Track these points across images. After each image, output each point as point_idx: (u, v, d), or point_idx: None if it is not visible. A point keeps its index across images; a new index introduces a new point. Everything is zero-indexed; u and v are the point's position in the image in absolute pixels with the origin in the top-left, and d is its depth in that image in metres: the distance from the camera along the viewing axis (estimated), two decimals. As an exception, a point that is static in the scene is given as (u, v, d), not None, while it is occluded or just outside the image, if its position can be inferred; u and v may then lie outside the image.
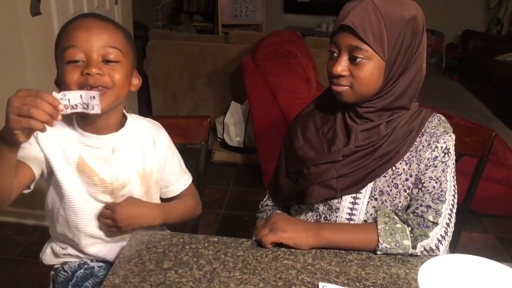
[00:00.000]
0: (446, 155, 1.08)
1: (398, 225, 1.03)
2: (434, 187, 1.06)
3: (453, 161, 1.10)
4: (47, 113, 0.78)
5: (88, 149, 1.07)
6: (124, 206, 1.06)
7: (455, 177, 1.09)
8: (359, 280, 0.95)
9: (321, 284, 0.92)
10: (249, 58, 2.81)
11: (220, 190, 2.88)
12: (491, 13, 5.86)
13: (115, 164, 1.09)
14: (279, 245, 1.04)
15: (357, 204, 1.10)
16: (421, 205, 1.05)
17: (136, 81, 1.11)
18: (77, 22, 1.01)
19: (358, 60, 1.01)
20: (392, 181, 1.09)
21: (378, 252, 1.03)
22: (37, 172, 1.02)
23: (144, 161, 1.14)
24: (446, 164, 1.08)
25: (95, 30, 1.00)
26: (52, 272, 1.21)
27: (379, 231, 1.02)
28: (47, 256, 1.19)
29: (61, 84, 1.02)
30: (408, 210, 1.07)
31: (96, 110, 0.87)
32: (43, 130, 0.79)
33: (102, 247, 1.13)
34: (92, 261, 1.16)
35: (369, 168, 1.07)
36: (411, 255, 1.02)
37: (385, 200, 1.09)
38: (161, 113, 3.65)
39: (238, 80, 3.28)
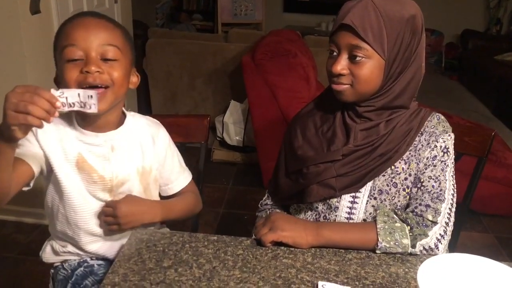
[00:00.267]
0: (446, 154, 1.08)
1: (398, 224, 1.03)
2: (433, 186, 1.06)
3: (452, 161, 1.10)
4: (44, 109, 0.78)
5: (87, 147, 1.07)
6: (125, 203, 1.07)
7: (454, 176, 1.09)
8: (358, 279, 0.95)
9: (320, 283, 0.93)
10: (249, 57, 2.81)
11: (219, 189, 2.88)
12: (490, 12, 5.86)
13: (115, 162, 1.09)
14: (278, 244, 1.04)
15: (356, 203, 1.11)
16: (420, 204, 1.05)
17: (135, 79, 1.12)
18: (75, 21, 1.02)
19: (357, 58, 1.01)
20: (391, 180, 1.09)
21: (378, 251, 1.03)
22: (36, 169, 1.03)
23: (143, 158, 1.14)
24: (445, 164, 1.08)
25: (93, 29, 1.00)
26: (52, 270, 1.21)
27: (378, 230, 1.02)
28: (47, 254, 1.19)
29: (60, 82, 1.03)
30: (407, 209, 1.07)
31: (93, 109, 0.87)
32: (40, 126, 0.79)
33: (102, 244, 1.14)
34: (91, 259, 1.16)
35: (368, 168, 1.07)
36: (410, 254, 1.02)
37: (384, 199, 1.09)
38: (160, 112, 3.65)
39: (237, 79, 3.28)
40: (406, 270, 0.98)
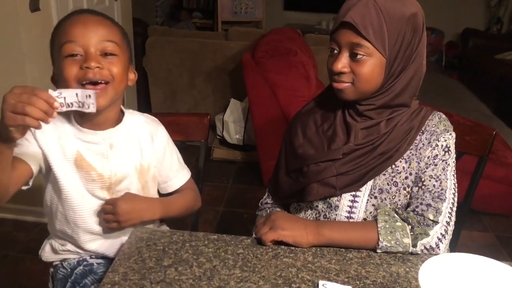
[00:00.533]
0: (447, 153, 1.08)
1: (398, 223, 1.03)
2: (434, 185, 1.06)
3: (454, 160, 1.09)
4: (42, 110, 0.78)
5: (86, 144, 1.07)
6: (124, 201, 1.07)
7: (455, 175, 1.09)
8: (359, 279, 0.95)
9: (321, 282, 0.92)
10: (249, 55, 2.81)
11: (219, 187, 2.88)
12: (491, 11, 5.86)
13: (113, 159, 1.09)
14: (279, 243, 1.04)
15: (357, 202, 1.10)
16: (421, 204, 1.05)
17: (132, 76, 1.12)
18: (73, 18, 1.02)
19: (358, 56, 1.00)
20: (392, 179, 1.08)
21: (378, 251, 1.02)
22: (35, 168, 1.02)
23: (141, 156, 1.14)
24: (446, 163, 1.07)
25: (92, 25, 1.01)
26: (51, 269, 1.21)
27: (379, 229, 1.02)
28: (46, 253, 1.19)
29: (58, 80, 1.03)
30: (408, 209, 1.07)
31: (92, 109, 0.87)
32: (38, 127, 0.79)
33: (101, 243, 1.13)
34: (91, 257, 1.16)
35: (368, 166, 1.07)
36: (411, 253, 1.02)
37: (385, 198, 1.09)
38: (160, 110, 3.65)
39: (237, 78, 3.28)
40: (407, 269, 0.98)
